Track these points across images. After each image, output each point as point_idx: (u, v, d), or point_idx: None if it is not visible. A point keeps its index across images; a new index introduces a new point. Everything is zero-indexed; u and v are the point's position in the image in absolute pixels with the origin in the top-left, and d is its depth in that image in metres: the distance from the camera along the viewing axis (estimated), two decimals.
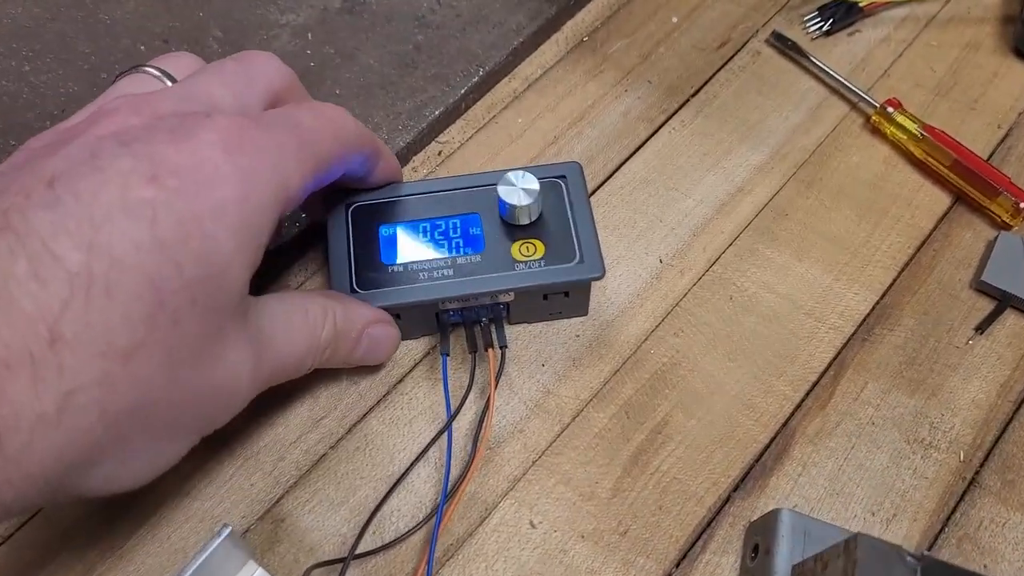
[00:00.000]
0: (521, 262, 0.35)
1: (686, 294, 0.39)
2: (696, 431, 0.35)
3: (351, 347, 0.33)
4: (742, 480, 0.34)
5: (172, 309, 0.23)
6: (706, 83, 0.46)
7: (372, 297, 0.34)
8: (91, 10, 0.47)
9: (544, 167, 0.37)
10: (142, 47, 0.45)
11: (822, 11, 0.48)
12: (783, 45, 0.47)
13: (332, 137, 0.30)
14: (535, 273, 0.35)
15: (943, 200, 0.42)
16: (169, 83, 0.31)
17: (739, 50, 0.47)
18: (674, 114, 0.45)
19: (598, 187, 0.43)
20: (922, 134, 0.42)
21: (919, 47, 0.48)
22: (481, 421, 0.34)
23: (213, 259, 0.24)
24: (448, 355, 0.36)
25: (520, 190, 0.35)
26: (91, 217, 0.22)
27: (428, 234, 0.36)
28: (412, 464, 0.34)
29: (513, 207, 0.35)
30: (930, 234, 0.41)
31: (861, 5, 0.47)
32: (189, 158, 0.24)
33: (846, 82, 0.45)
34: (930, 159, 0.42)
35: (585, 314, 0.38)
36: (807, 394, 0.36)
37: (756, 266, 0.40)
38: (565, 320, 0.38)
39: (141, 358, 0.23)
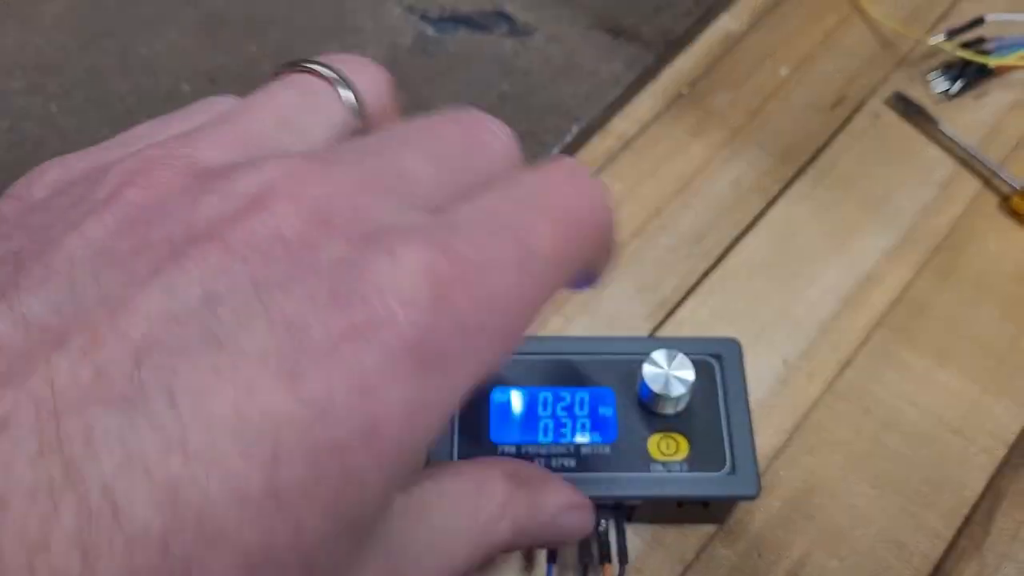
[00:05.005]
0: (659, 462, 0.28)
1: (816, 404, 0.34)
2: (840, 575, 0.31)
3: (529, 541, 0.24)
4: None
5: None
6: (823, 148, 0.41)
7: None
8: (126, 41, 0.41)
9: (695, 341, 0.30)
10: (186, 86, 0.40)
11: (947, 70, 0.43)
12: (907, 108, 0.42)
13: (579, 232, 0.18)
14: (676, 480, 0.28)
15: None
16: (350, 107, 0.20)
17: (857, 110, 0.42)
18: (790, 183, 0.40)
19: (710, 268, 0.38)
20: None
21: None
22: None
23: (351, 509, 0.15)
24: (555, 563, 0.29)
25: (670, 376, 0.28)
26: (184, 442, 0.13)
27: (549, 408, 0.29)
28: None
29: (659, 396, 0.28)
30: None
31: (991, 66, 0.43)
32: (339, 335, 0.15)
33: (978, 155, 0.40)
34: None
35: (722, 524, 0.32)
36: (960, 531, 0.32)
37: (894, 372, 0.35)
38: None
39: None
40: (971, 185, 0.40)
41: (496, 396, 0.29)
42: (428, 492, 0.20)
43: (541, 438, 0.29)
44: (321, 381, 0.14)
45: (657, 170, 0.40)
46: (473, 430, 0.28)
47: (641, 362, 0.29)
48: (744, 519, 0.32)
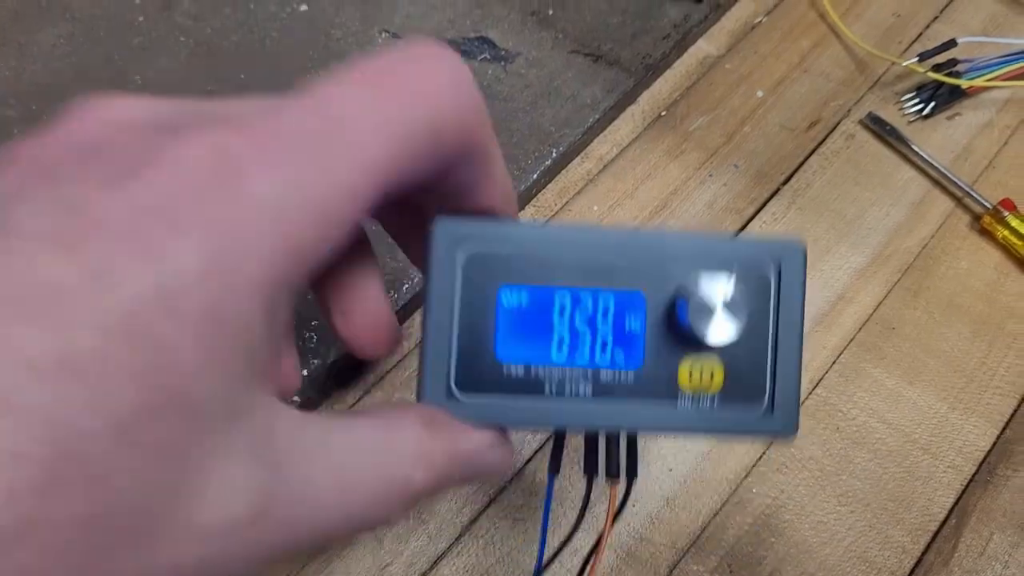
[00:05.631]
0: (689, 394, 0.24)
1: None
2: None
3: (453, 484, 0.23)
4: None
5: (72, 471, 0.14)
6: (797, 169, 0.42)
7: (474, 408, 0.24)
8: (120, 69, 0.43)
9: (748, 243, 0.25)
10: None
11: (920, 91, 0.44)
12: (880, 129, 0.43)
13: (407, 115, 0.19)
14: (705, 416, 0.24)
15: None
16: None
17: (831, 132, 0.43)
18: (764, 205, 0.41)
19: None
20: None
21: None
22: (584, 565, 0.27)
23: (166, 380, 0.15)
24: (557, 474, 0.26)
25: (718, 306, 0.23)
26: None
27: (567, 316, 0.24)
28: None
29: (702, 327, 0.23)
30: None
31: (963, 87, 0.43)
32: (122, 210, 0.15)
33: (951, 175, 0.41)
34: None
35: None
36: (927, 547, 0.33)
37: (864, 390, 0.36)
38: (656, 452, 0.34)
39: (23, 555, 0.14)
40: (944, 205, 0.41)
41: (506, 297, 0.24)
42: (335, 427, 0.19)
43: (555, 356, 0.24)
44: (100, 251, 0.15)
45: (635, 191, 0.41)
46: (477, 344, 0.24)
47: (683, 268, 0.24)
48: (716, 534, 0.33)
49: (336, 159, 0.18)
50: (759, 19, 0.47)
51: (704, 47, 0.46)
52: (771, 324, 0.24)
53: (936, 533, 0.33)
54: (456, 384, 0.24)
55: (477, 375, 0.24)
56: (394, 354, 0.37)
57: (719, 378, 0.24)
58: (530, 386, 0.24)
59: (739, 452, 0.34)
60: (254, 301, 0.17)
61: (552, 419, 0.24)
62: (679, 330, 0.23)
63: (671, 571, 0.32)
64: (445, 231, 0.23)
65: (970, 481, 0.34)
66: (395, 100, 0.18)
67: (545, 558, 0.27)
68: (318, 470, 0.19)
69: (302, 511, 0.18)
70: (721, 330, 0.23)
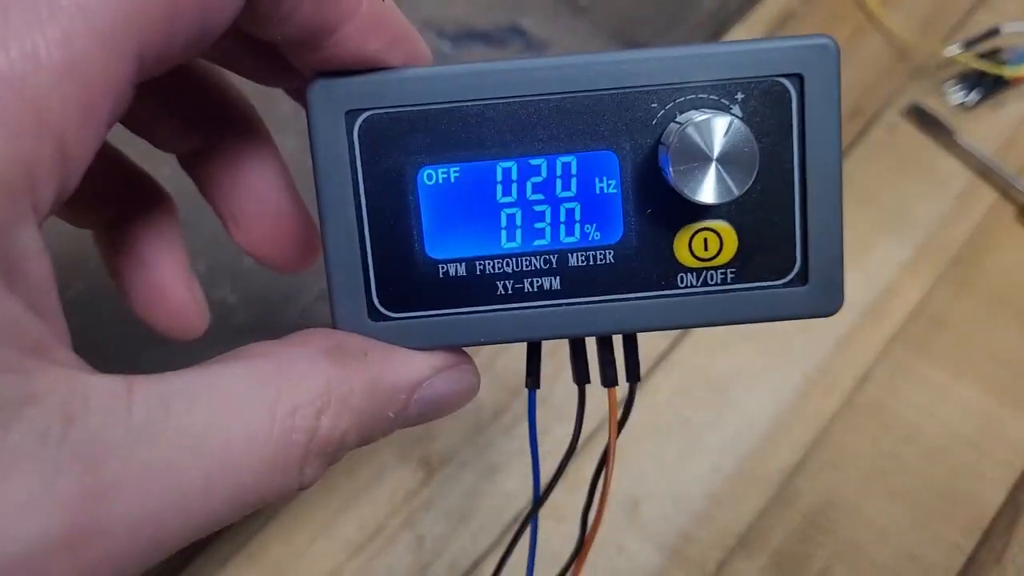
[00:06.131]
0: (691, 271, 0.18)
1: (835, 418, 0.35)
2: None
3: (387, 427, 0.18)
4: None
5: None
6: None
7: (410, 329, 0.18)
8: None
9: (752, 50, 0.18)
10: None
11: (963, 81, 0.43)
12: (923, 120, 0.42)
13: None
14: (716, 299, 0.18)
15: None
16: None
17: (873, 122, 0.43)
18: None
19: None
20: None
21: None
22: (592, 492, 0.22)
23: None
24: (537, 389, 0.21)
25: (715, 148, 0.16)
26: None
27: (515, 190, 0.18)
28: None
29: (693, 182, 0.17)
30: None
31: (1007, 77, 0.43)
32: None
33: (995, 166, 0.40)
34: None
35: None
36: (980, 544, 0.32)
37: (911, 386, 0.35)
38: (700, 449, 0.34)
39: None
40: (988, 196, 0.41)
41: (427, 178, 0.18)
42: (183, 387, 0.14)
43: (506, 243, 0.18)
44: None
45: None
46: (396, 241, 0.18)
47: (663, 105, 0.17)
48: (763, 533, 0.32)
49: (28, 24, 0.12)
50: (795, 7, 0.46)
51: (740, 35, 0.45)
52: (795, 162, 0.18)
53: (988, 530, 0.32)
54: (379, 299, 0.18)
55: (406, 283, 0.18)
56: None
57: (731, 244, 0.18)
58: (479, 288, 0.18)
59: (786, 450, 0.34)
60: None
61: (514, 329, 0.18)
62: (669, 191, 0.17)
63: (719, 569, 0.32)
64: (323, 94, 0.17)
65: (1021, 476, 0.33)
66: None
67: (542, 486, 0.22)
68: (167, 448, 0.14)
69: (156, 506, 0.13)
70: (718, 183, 0.16)
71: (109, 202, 0.21)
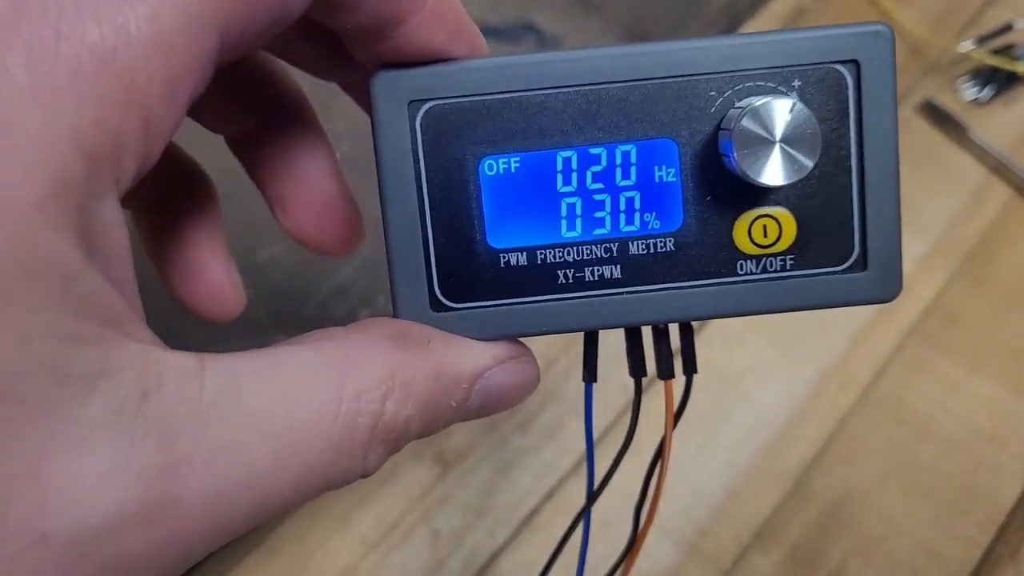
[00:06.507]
0: (751, 257, 0.18)
1: (850, 413, 0.35)
2: None
3: (449, 417, 0.18)
4: None
5: None
6: None
7: (472, 319, 0.18)
8: None
9: (808, 38, 0.18)
10: None
11: (976, 77, 0.43)
12: (936, 116, 0.42)
13: None
14: (776, 286, 0.18)
15: None
16: None
17: None
18: None
19: None
20: None
21: None
22: (644, 491, 0.22)
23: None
24: (594, 383, 0.21)
25: (777, 132, 0.17)
26: None
27: (575, 178, 0.18)
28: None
29: (756, 166, 0.17)
30: None
31: (1020, 73, 0.43)
32: None
33: (1009, 162, 0.40)
34: None
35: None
36: (996, 538, 0.32)
37: (927, 381, 0.35)
38: (716, 444, 0.34)
39: None
40: (1002, 193, 0.40)
41: (488, 168, 0.18)
42: (253, 367, 0.15)
43: (566, 232, 0.18)
44: None
45: None
46: (458, 231, 0.18)
47: (722, 92, 0.18)
48: (780, 527, 0.32)
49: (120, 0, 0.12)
50: (808, 3, 0.46)
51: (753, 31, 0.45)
52: (853, 148, 0.18)
53: (1004, 524, 0.32)
54: (441, 290, 0.18)
55: (467, 273, 0.18)
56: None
57: (790, 231, 0.18)
58: (539, 277, 0.18)
59: (801, 445, 0.34)
60: (39, 226, 0.12)
61: (575, 318, 0.18)
62: (730, 177, 0.18)
63: (735, 564, 0.32)
64: (387, 84, 0.17)
65: None
66: None
67: (596, 480, 0.22)
68: (237, 426, 0.14)
69: (226, 484, 0.13)
70: (783, 165, 0.17)
71: (154, 184, 0.21)
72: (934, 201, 0.40)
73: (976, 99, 0.43)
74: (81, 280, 0.12)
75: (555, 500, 0.33)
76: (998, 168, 0.41)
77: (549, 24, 0.44)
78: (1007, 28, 0.43)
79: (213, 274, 0.21)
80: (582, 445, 0.34)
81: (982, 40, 0.43)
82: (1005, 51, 0.43)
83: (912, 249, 0.39)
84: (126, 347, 0.13)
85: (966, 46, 0.43)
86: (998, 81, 0.43)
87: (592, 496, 0.22)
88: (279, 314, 0.34)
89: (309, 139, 0.21)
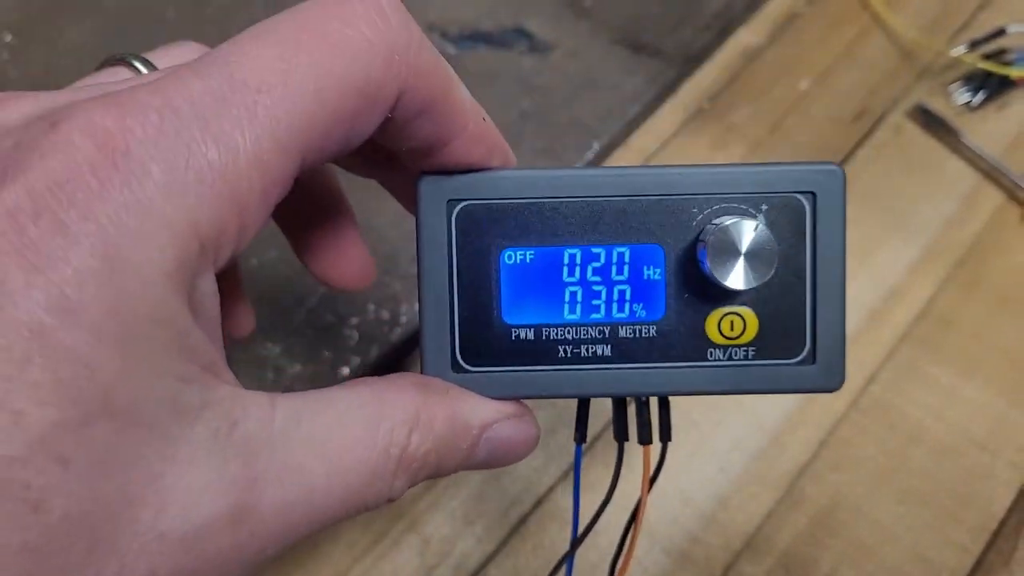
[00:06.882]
0: (719, 347, 0.22)
1: (842, 420, 0.34)
2: None
3: (460, 459, 0.21)
4: None
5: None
6: (844, 161, 0.41)
7: (485, 380, 0.22)
8: None
9: (774, 171, 0.22)
10: None
11: (969, 82, 0.43)
12: (929, 121, 0.42)
13: (321, 70, 0.17)
14: (740, 372, 0.22)
15: None
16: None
17: (878, 123, 0.42)
18: None
19: None
20: None
21: None
22: (621, 546, 0.25)
23: (79, 391, 0.14)
24: (584, 444, 0.24)
25: (742, 246, 0.21)
26: None
27: (578, 272, 0.22)
28: None
29: (723, 271, 0.21)
30: None
31: (1013, 77, 0.42)
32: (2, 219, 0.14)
33: (1001, 167, 0.40)
34: None
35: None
36: (988, 546, 0.32)
37: (919, 387, 0.35)
38: (706, 451, 0.34)
39: None
40: (994, 197, 0.40)
41: (507, 258, 0.22)
42: (311, 403, 0.18)
43: (567, 315, 0.22)
44: None
45: None
46: (479, 307, 0.22)
47: (702, 210, 0.22)
48: (771, 535, 0.32)
49: (233, 128, 0.16)
50: (800, 8, 0.46)
51: (746, 37, 0.45)
52: (808, 262, 0.22)
53: (996, 532, 0.32)
54: (461, 354, 0.22)
55: (484, 342, 0.22)
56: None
57: (752, 327, 0.22)
58: (543, 350, 0.22)
59: (792, 450, 0.34)
60: (166, 291, 0.15)
61: (570, 386, 0.22)
62: (703, 279, 0.21)
63: (725, 572, 0.31)
64: (430, 187, 0.22)
65: None
66: (306, 55, 0.17)
67: (580, 531, 0.25)
68: (299, 451, 0.17)
69: (292, 497, 0.17)
70: (745, 273, 0.21)
71: (311, 202, 0.27)
72: (926, 205, 0.40)
73: (969, 103, 0.43)
74: (190, 334, 0.16)
75: (544, 507, 0.32)
76: (990, 173, 0.41)
77: (541, 29, 0.44)
78: (1000, 32, 0.43)
79: (354, 260, 0.27)
80: (571, 453, 0.34)
81: (975, 44, 0.43)
82: (998, 55, 0.43)
83: (904, 254, 0.39)
84: (220, 387, 0.16)
85: (959, 50, 0.43)
86: (991, 86, 0.42)
87: (575, 542, 0.24)
88: (272, 320, 0.34)
89: (342, 219, 0.27)
